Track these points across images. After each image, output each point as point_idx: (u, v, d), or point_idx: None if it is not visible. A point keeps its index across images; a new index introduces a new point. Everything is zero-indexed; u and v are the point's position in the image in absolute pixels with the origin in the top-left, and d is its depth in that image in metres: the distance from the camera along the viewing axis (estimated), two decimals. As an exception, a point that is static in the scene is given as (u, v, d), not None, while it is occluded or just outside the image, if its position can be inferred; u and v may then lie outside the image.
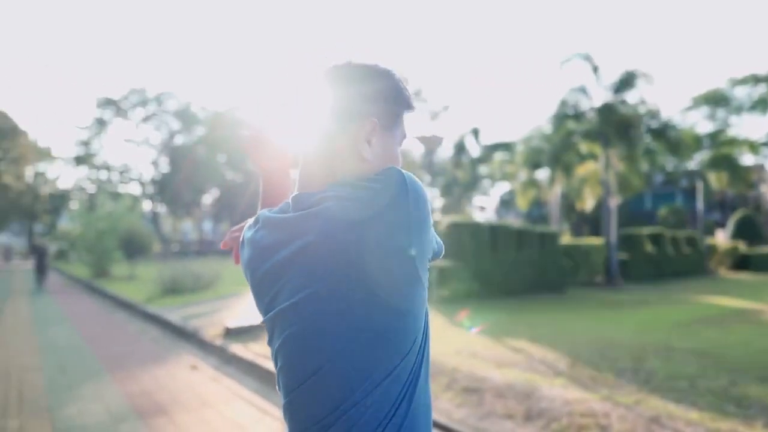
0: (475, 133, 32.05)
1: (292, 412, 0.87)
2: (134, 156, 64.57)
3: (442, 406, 4.19)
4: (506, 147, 30.10)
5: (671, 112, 28.55)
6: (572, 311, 10.29)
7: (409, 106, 0.99)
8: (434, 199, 37.87)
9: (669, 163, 26.23)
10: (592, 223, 27.82)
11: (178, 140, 43.75)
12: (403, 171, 0.84)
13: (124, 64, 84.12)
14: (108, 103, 42.32)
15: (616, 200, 18.85)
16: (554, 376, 4.96)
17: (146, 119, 43.18)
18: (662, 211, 30.37)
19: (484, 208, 41.48)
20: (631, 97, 17.92)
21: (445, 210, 37.27)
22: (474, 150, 33.41)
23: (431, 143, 10.43)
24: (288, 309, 0.84)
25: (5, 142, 47.29)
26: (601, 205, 20.22)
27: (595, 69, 17.93)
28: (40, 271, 18.70)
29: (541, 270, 13.73)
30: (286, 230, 0.87)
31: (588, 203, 21.34)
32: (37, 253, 18.94)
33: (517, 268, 13.08)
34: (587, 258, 16.36)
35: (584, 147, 19.26)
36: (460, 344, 6.45)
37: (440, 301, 10.81)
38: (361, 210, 0.79)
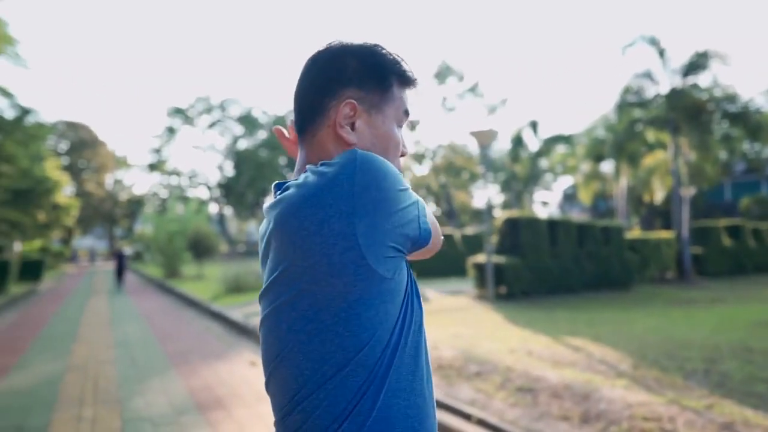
0: (534, 126, 31.08)
1: (269, 396, 0.89)
2: (201, 161, 67.75)
3: (494, 405, 4.09)
4: (566, 139, 29.00)
5: (753, 93, 26.29)
6: (638, 309, 9.76)
7: (403, 82, 0.96)
8: (494, 195, 37.18)
9: (752, 149, 24.32)
10: (665, 216, 26.23)
11: (242, 144, 45.41)
12: (360, 152, 0.81)
13: (191, 73, 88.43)
14: (177, 111, 44.59)
15: (689, 191, 17.70)
16: (615, 377, 4.72)
17: (211, 125, 45.12)
18: (744, 201, 28.16)
19: (546, 203, 40.20)
20: (702, 80, 16.76)
21: (505, 206, 36.45)
22: (532, 143, 32.46)
23: (485, 138, 10.21)
24: (263, 292, 0.86)
25: (88, 153, 51.05)
26: (672, 197, 19.06)
27: (662, 52, 16.91)
28: (120, 272, 20.06)
29: (604, 266, 13.13)
30: (267, 215, 0.89)
31: (657, 195, 20.18)
32: (117, 257, 20.34)
33: (578, 264, 12.57)
34: (656, 253, 15.48)
35: (651, 135, 18.23)
36: (515, 342, 6.28)
37: (496, 298, 10.59)
38: (305, 195, 0.78)
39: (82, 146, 50.53)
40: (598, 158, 21.74)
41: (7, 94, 17.84)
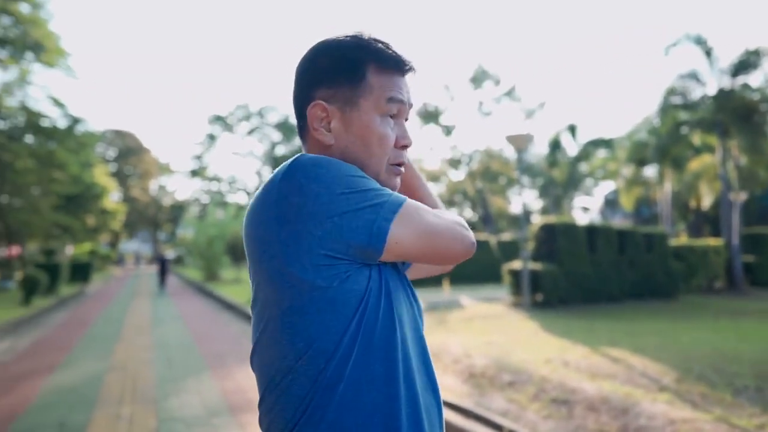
0: (572, 129, 30.35)
1: None
2: (240, 167, 69.35)
3: (527, 417, 3.97)
4: (607, 143, 28.20)
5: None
6: (683, 319, 9.34)
7: (384, 67, 0.88)
8: (532, 200, 36.50)
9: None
10: (713, 222, 25.09)
11: (279, 150, 46.24)
12: (301, 157, 0.80)
13: (231, 82, 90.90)
14: (217, 119, 45.85)
15: (740, 196, 16.88)
16: (657, 391, 4.51)
17: (250, 132, 46.16)
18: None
19: (587, 209, 39.16)
20: (753, 79, 15.99)
21: (544, 211, 35.73)
22: (571, 148, 31.72)
23: (521, 142, 10.03)
24: None
25: (133, 160, 53.12)
26: (721, 202, 18.23)
27: (708, 51, 16.23)
28: (162, 275, 20.73)
29: (646, 274, 12.65)
30: None
31: (704, 200, 19.34)
32: (160, 261, 21.05)
33: (619, 272, 12.16)
34: (704, 261, 14.81)
35: (697, 138, 17.50)
36: (551, 352, 6.10)
37: (532, 306, 10.35)
38: (251, 204, 0.83)
39: (128, 153, 52.61)
40: (640, 162, 21.02)
41: (59, 104, 18.77)
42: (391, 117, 0.91)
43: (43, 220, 20.73)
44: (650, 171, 22.70)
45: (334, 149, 0.89)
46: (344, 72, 0.88)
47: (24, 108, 18.44)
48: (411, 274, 1.10)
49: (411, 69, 0.92)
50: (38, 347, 8.21)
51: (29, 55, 16.95)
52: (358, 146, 0.88)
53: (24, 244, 26.29)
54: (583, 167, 32.63)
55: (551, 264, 11.04)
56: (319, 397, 0.77)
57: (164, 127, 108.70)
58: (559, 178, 32.25)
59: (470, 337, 7.16)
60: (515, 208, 39.09)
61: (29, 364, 6.91)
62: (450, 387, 4.81)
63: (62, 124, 19.72)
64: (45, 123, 18.95)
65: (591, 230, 12.17)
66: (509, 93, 32.65)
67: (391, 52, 0.90)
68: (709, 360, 5.66)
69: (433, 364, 0.90)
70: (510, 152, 32.24)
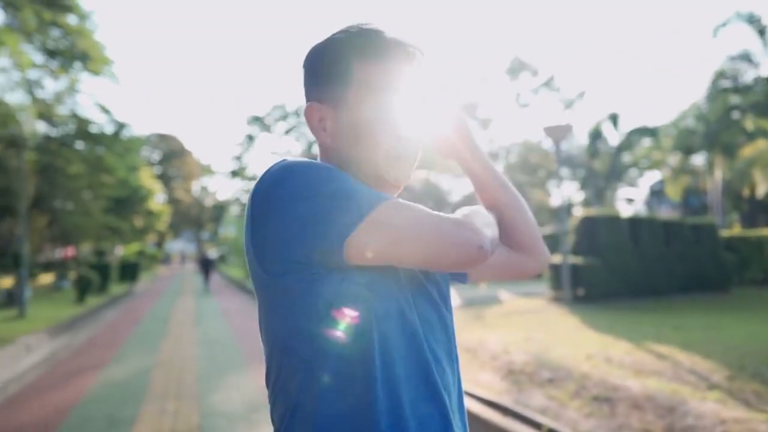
0: (614, 118, 29.30)
1: None
2: (279, 167, 70.49)
3: (567, 415, 3.88)
4: (651, 132, 27.14)
5: None
6: (736, 313, 8.90)
7: (370, 55, 0.84)
8: (573, 192, 35.59)
9: None
10: (768, 211, 23.80)
11: (316, 150, 46.73)
12: (280, 162, 0.80)
13: (268, 82, 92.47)
14: (255, 120, 46.75)
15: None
16: (707, 389, 4.31)
17: (287, 132, 46.85)
18: None
19: (631, 201, 37.85)
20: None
21: (586, 204, 34.78)
22: (613, 137, 30.70)
23: (559, 133, 9.77)
24: None
25: (177, 162, 54.88)
26: (776, 190, 17.28)
27: (762, 30, 15.39)
28: (206, 274, 21.36)
29: (695, 266, 12.12)
30: None
31: (759, 189, 18.36)
32: (203, 260, 21.69)
33: (665, 265, 11.69)
34: (758, 252, 14.06)
35: (750, 123, 16.61)
36: (592, 348, 5.93)
37: (573, 301, 10.10)
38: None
39: (171, 156, 54.37)
40: (687, 150, 20.16)
41: (105, 111, 19.59)
42: (386, 108, 0.86)
43: (94, 222, 21.67)
44: (699, 159, 21.73)
45: (333, 149, 0.89)
46: (332, 70, 0.87)
47: (74, 115, 19.35)
48: (481, 275, 1.04)
49: (406, 52, 0.87)
50: (91, 344, 8.61)
51: (77, 64, 17.73)
52: (352, 143, 0.86)
53: (78, 245, 27.62)
54: (627, 157, 31.54)
55: (593, 257, 10.73)
56: (302, 401, 0.77)
57: (205, 130, 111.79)
58: (601, 169, 31.31)
59: (509, 333, 7.05)
60: (556, 200, 38.23)
61: (83, 359, 7.25)
62: (488, 384, 4.75)
63: (109, 129, 20.58)
64: (93, 129, 19.81)
65: (634, 222, 11.76)
66: (547, 83, 31.91)
67: (377, 40, 0.86)
68: (764, 356, 5.37)
69: (443, 372, 0.84)
70: (549, 144, 31.51)
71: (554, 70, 45.80)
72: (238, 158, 48.24)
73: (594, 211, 12.22)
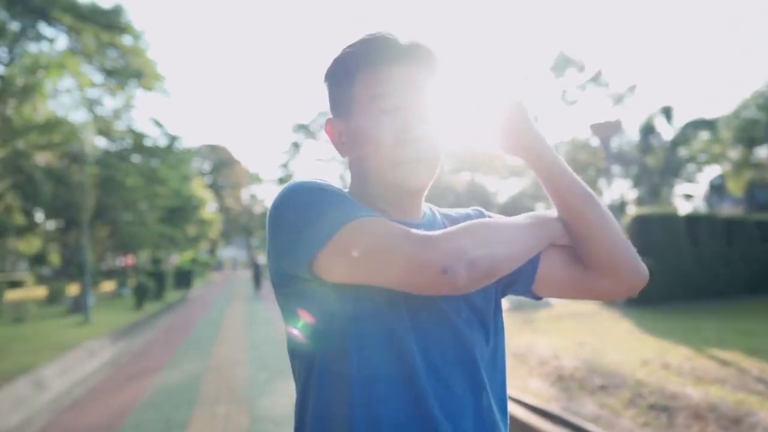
0: (667, 112, 28.00)
1: None
2: (324, 173, 71.72)
3: (621, 424, 3.71)
4: (708, 124, 25.75)
5: None
6: (810, 316, 8.29)
7: (367, 63, 0.84)
8: (626, 190, 34.29)
9: None
10: None
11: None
12: (291, 183, 0.84)
13: (311, 90, 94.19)
14: (300, 127, 47.73)
15: None
16: (776, 398, 4.03)
17: (332, 138, 47.54)
18: None
19: (690, 197, 36.02)
20: None
21: (640, 201, 33.40)
22: (667, 132, 29.33)
23: (606, 130, 9.43)
24: None
25: (226, 171, 56.72)
26: None
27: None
28: (257, 280, 21.93)
29: (761, 266, 11.37)
30: None
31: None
32: (254, 266, 22.28)
33: (728, 265, 11.03)
34: (834, 249, 13.05)
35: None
36: (648, 353, 5.67)
37: (627, 304, 9.69)
38: None
39: (221, 166, 56.25)
40: (750, 142, 19.00)
41: (158, 125, 20.54)
42: (389, 113, 0.84)
43: (150, 231, 22.71)
44: (763, 151, 20.45)
45: (352, 161, 0.91)
46: (341, 84, 0.88)
47: (130, 130, 20.39)
48: (551, 292, 0.94)
49: (406, 55, 0.84)
50: (148, 348, 8.99)
51: (132, 82, 18.68)
52: (359, 153, 0.87)
53: (137, 254, 28.98)
54: (683, 152, 30.07)
55: (647, 258, 10.02)
56: (305, 409, 0.84)
57: (253, 139, 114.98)
58: (655, 166, 29.98)
59: (558, 338, 6.85)
60: (607, 199, 36.90)
61: (141, 364, 7.58)
62: (536, 390, 4.63)
63: (162, 142, 21.55)
64: (148, 143, 20.81)
65: (692, 220, 11.16)
66: (595, 79, 30.92)
67: (378, 47, 0.84)
68: (841, 363, 4.97)
69: (451, 396, 0.81)
70: (598, 141, 30.46)
71: (602, 65, 44.42)
72: (285, 166, 49.32)
73: (647, 209, 11.70)
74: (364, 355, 0.80)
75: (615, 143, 34.48)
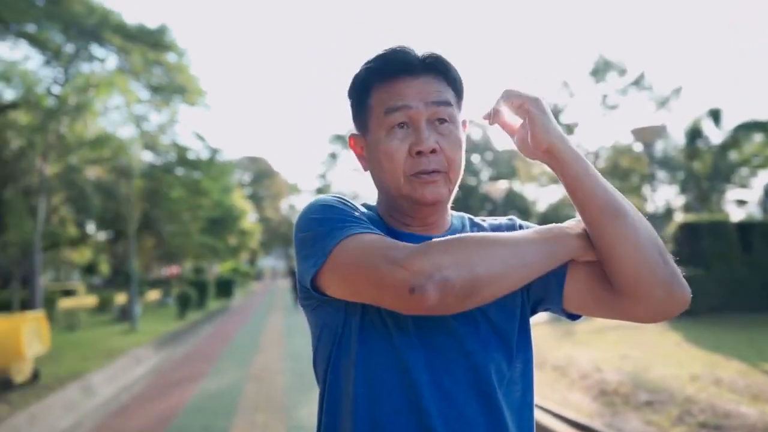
0: (715, 114, 26.83)
1: None
2: (360, 183, 72.20)
3: (669, 442, 3.55)
4: (762, 126, 24.53)
5: None
6: None
7: (378, 79, 0.85)
8: (672, 197, 33.04)
9: None
10: None
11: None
12: (310, 201, 0.88)
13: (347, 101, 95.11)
14: (337, 138, 48.32)
15: None
16: (840, 418, 3.77)
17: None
18: None
19: (743, 203, 34.34)
20: None
21: (687, 208, 32.09)
22: (715, 135, 28.08)
23: (649, 135, 9.12)
24: None
25: (266, 182, 57.91)
26: None
27: None
28: (295, 290, 22.24)
29: (825, 276, 10.69)
30: None
31: None
32: (293, 276, 22.61)
33: (786, 275, 10.42)
34: None
35: None
36: (697, 368, 5.41)
37: (675, 317, 9.29)
38: None
39: (261, 177, 57.51)
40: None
41: (200, 138, 21.23)
42: (401, 126, 0.84)
43: (193, 242, 23.38)
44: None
45: (371, 175, 0.93)
46: (356, 100, 0.91)
47: (174, 144, 21.14)
48: (587, 311, 0.88)
49: (419, 68, 0.84)
50: (190, 357, 9.23)
51: (176, 97, 19.39)
52: (376, 167, 0.89)
53: (181, 264, 29.89)
54: (734, 156, 28.73)
55: (696, 268, 9.83)
56: (319, 420, 0.88)
57: (291, 150, 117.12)
58: (702, 170, 28.75)
59: (601, 350, 6.63)
60: (653, 206, 35.61)
61: (183, 371, 7.79)
62: (577, 405, 4.48)
63: (204, 155, 22.23)
64: (191, 156, 21.50)
65: (745, 227, 10.63)
66: (637, 82, 30.01)
67: (388, 61, 0.85)
68: None
69: (457, 416, 0.80)
70: (641, 146, 29.47)
71: (645, 67, 43.10)
72: (323, 176, 50.01)
73: (696, 216, 11.23)
74: (369, 372, 0.81)
75: (660, 148, 33.28)
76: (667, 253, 0.79)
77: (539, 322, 9.31)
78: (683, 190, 32.49)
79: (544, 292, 0.88)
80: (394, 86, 0.85)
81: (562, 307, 0.89)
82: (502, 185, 19.58)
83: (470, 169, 41.54)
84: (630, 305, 0.81)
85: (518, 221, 0.96)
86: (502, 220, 0.98)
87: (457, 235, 0.77)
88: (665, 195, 33.95)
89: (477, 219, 0.99)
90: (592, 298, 0.85)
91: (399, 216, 0.90)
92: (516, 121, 0.87)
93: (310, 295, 0.85)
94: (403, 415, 0.79)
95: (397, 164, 0.84)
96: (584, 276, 0.85)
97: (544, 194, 33.35)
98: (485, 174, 42.00)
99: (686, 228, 10.40)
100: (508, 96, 0.82)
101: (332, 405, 0.84)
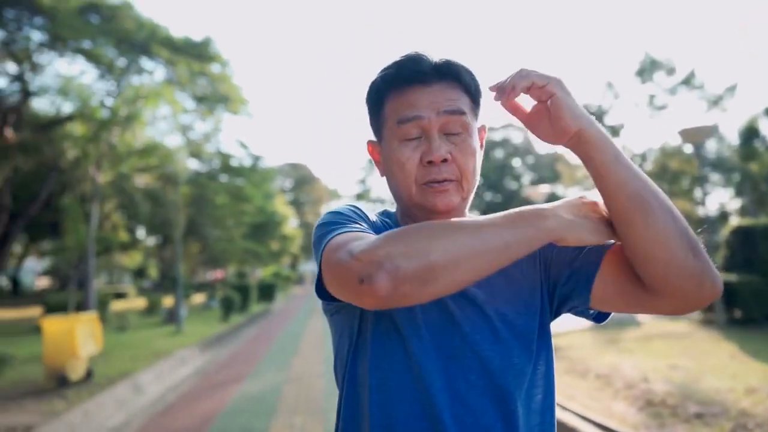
0: (772, 112, 25.47)
1: None
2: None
3: (720, 457, 3.38)
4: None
5: None
6: None
7: (393, 86, 0.86)
8: (727, 200, 31.53)
9: None
10: None
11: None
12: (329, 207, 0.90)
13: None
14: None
15: None
16: None
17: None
18: None
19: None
20: None
21: (743, 212, 30.51)
22: (773, 134, 26.59)
23: (698, 135, 8.74)
24: None
25: (306, 188, 58.91)
26: None
27: None
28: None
29: None
30: None
31: None
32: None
33: None
34: None
35: None
36: (753, 380, 5.12)
37: (728, 324, 8.84)
38: None
39: (302, 183, 58.54)
40: None
41: (243, 146, 21.86)
42: (412, 136, 0.84)
43: (236, 247, 24.01)
44: None
45: (386, 181, 0.93)
46: (372, 107, 0.92)
47: (219, 152, 21.82)
48: (602, 307, 0.86)
49: (433, 76, 0.83)
50: (233, 359, 9.45)
51: (220, 107, 20.03)
52: (390, 175, 0.90)
53: (226, 268, 30.72)
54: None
55: (750, 274, 9.32)
56: (336, 426, 0.90)
57: (331, 156, 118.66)
58: (759, 172, 27.27)
59: (648, 359, 6.37)
60: (705, 210, 33.99)
61: (225, 373, 7.98)
62: (621, 415, 4.33)
63: (247, 162, 22.84)
64: (234, 163, 22.14)
65: (806, 231, 10.01)
66: (687, 81, 28.84)
67: (402, 68, 0.85)
68: None
69: (473, 422, 0.80)
70: (691, 147, 28.23)
71: (695, 65, 41.40)
72: (362, 181, 50.35)
73: (751, 220, 10.66)
74: (383, 378, 0.81)
75: (713, 149, 31.82)
76: (699, 244, 0.74)
77: (580, 328, 9.06)
78: (739, 192, 30.95)
79: (572, 288, 0.86)
80: (407, 96, 0.84)
81: (588, 305, 0.85)
82: (544, 189, 19.19)
83: (511, 174, 40.92)
84: (657, 299, 0.77)
85: None
86: None
87: (416, 224, 0.74)
88: (719, 198, 32.41)
89: None
90: (618, 291, 0.82)
91: (413, 223, 0.88)
92: (528, 104, 0.81)
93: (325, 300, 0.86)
94: (417, 422, 0.79)
95: (408, 173, 0.84)
96: (612, 269, 0.82)
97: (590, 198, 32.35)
98: (526, 178, 41.25)
99: (741, 233, 9.89)
100: (526, 75, 0.75)
101: (349, 411, 0.86)
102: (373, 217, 0.93)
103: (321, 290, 0.79)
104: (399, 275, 0.66)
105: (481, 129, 0.91)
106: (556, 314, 0.91)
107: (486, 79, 0.85)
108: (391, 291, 0.66)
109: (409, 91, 0.84)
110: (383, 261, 0.66)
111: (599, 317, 0.89)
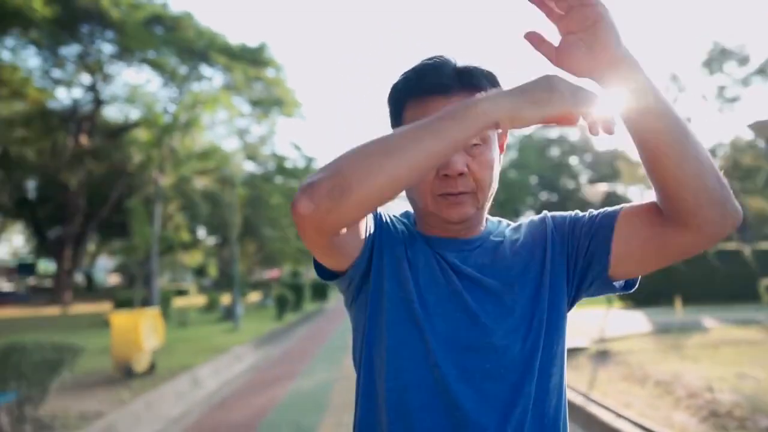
0: None
1: None
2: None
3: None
4: None
5: None
6: None
7: (412, 94, 0.86)
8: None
9: None
10: None
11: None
12: None
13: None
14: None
15: None
16: None
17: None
18: None
19: None
20: None
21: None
22: None
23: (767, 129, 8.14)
24: None
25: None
26: None
27: None
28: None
29: None
30: None
31: None
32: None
33: None
34: None
35: None
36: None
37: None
38: None
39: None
40: None
41: (297, 148, 22.40)
42: None
43: (291, 247, 24.61)
44: None
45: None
46: (392, 111, 0.91)
47: (273, 154, 22.48)
48: (624, 270, 0.85)
49: (453, 83, 0.83)
50: (286, 356, 9.70)
51: (275, 110, 20.62)
52: None
53: (281, 268, 31.56)
54: None
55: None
56: (354, 415, 0.92)
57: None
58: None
59: (714, 367, 6.00)
60: (781, 209, 31.62)
61: (279, 370, 8.20)
62: (682, 426, 4.10)
63: (300, 164, 23.39)
64: (288, 164, 22.74)
65: None
66: (762, 70, 26.96)
67: (423, 74, 0.85)
68: None
69: (479, 404, 0.81)
70: (760, 143, 26.31)
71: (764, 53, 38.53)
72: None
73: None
74: (399, 365, 0.84)
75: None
76: (722, 175, 0.75)
77: (640, 333, 8.66)
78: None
79: (592, 254, 0.85)
80: (426, 106, 0.83)
81: (608, 271, 0.84)
82: (602, 188, 18.48)
83: (568, 172, 39.62)
84: (681, 234, 0.77)
85: (550, 214, 0.95)
86: (538, 216, 0.97)
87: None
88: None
89: (516, 224, 0.99)
90: (639, 241, 0.81)
91: (431, 229, 0.92)
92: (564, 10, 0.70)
93: (340, 288, 0.94)
94: (433, 409, 0.81)
95: (424, 183, 0.84)
96: (628, 223, 0.83)
97: (651, 196, 30.90)
98: (584, 176, 39.81)
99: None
100: None
101: (366, 399, 0.88)
102: (398, 220, 0.96)
103: (319, 269, 0.88)
104: (314, 192, 0.67)
105: (502, 134, 0.90)
106: (577, 292, 0.90)
107: (524, 75, 0.82)
108: (313, 208, 0.67)
109: (429, 101, 0.83)
110: (304, 184, 0.69)
111: (626, 286, 0.89)
